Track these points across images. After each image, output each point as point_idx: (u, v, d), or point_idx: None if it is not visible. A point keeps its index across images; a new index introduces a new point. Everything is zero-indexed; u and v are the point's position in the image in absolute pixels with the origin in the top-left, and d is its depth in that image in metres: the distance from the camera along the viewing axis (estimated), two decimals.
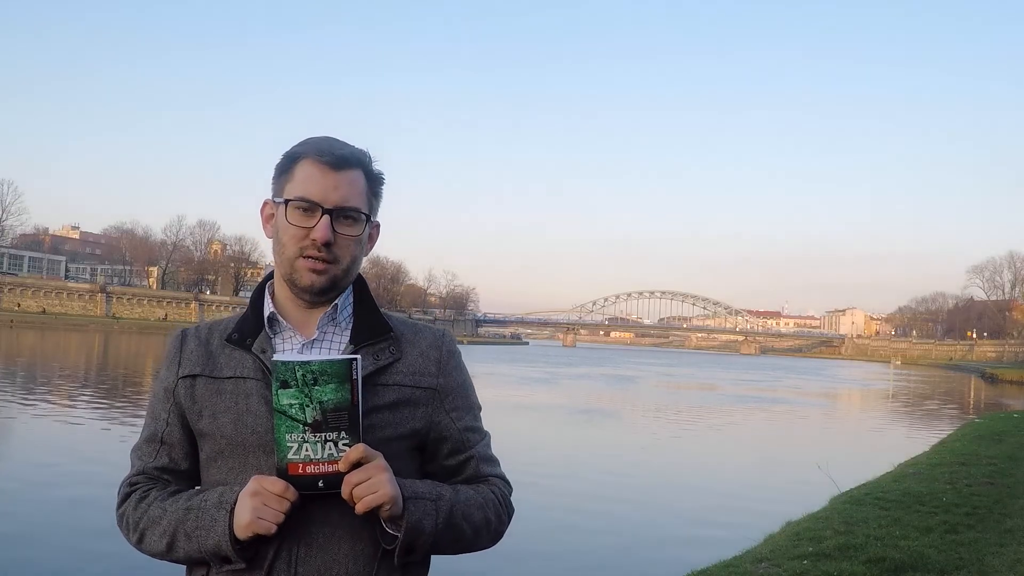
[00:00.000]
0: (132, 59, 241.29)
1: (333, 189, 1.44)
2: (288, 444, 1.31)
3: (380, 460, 1.34)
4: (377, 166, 1.53)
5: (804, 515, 8.56)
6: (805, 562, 6.11)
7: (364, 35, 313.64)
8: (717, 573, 6.20)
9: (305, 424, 1.31)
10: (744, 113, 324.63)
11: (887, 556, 6.18)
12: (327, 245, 1.43)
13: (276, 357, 1.35)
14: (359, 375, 1.33)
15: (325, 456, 1.32)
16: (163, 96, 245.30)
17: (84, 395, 22.80)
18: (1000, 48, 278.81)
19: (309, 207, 1.44)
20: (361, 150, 1.51)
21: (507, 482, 1.58)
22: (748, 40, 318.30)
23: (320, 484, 1.32)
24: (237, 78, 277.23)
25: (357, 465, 1.32)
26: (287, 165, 1.48)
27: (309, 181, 1.44)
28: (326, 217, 1.43)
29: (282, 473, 1.32)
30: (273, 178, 1.51)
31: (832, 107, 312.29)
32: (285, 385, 1.30)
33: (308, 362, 1.31)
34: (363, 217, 1.48)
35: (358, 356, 1.35)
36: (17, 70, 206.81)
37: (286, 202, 1.45)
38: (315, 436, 1.31)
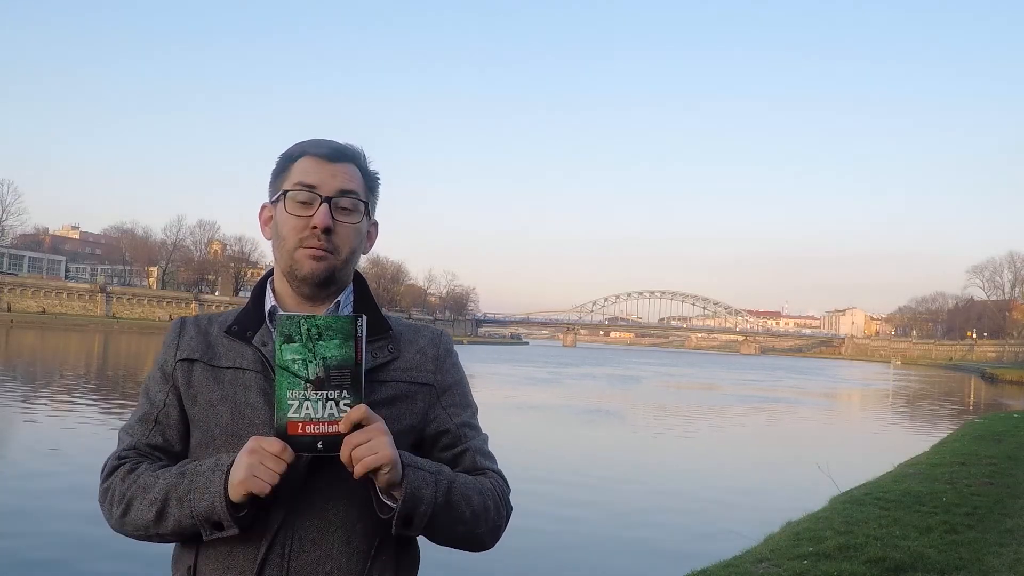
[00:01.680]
0: (133, 59, 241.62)
1: (331, 177, 1.46)
2: (289, 401, 1.29)
3: (381, 423, 1.32)
4: (372, 166, 1.54)
5: (804, 515, 8.55)
6: (805, 562, 6.11)
7: (366, 36, 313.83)
8: (717, 573, 6.19)
9: (307, 380, 1.29)
10: (744, 113, 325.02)
11: (887, 556, 6.18)
12: (327, 232, 1.44)
13: (280, 312, 1.34)
14: (364, 333, 1.32)
15: (326, 415, 1.30)
16: (164, 96, 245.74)
17: (85, 395, 22.79)
18: (1001, 47, 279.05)
19: (308, 196, 1.45)
20: (357, 147, 1.53)
21: (505, 479, 1.56)
22: (748, 40, 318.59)
23: (319, 446, 1.30)
24: (238, 78, 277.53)
25: (358, 426, 1.30)
26: (284, 165, 1.51)
27: (307, 173, 1.46)
28: (325, 204, 1.44)
29: (281, 432, 1.30)
30: (271, 181, 1.53)
31: (832, 107, 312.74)
32: (289, 340, 1.29)
33: (313, 316, 1.30)
34: (362, 205, 1.49)
35: (363, 315, 1.34)
36: (17, 70, 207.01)
37: (284, 193, 1.46)
38: (316, 394, 1.29)
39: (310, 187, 1.45)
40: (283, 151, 1.52)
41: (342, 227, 1.46)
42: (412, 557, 1.48)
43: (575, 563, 8.43)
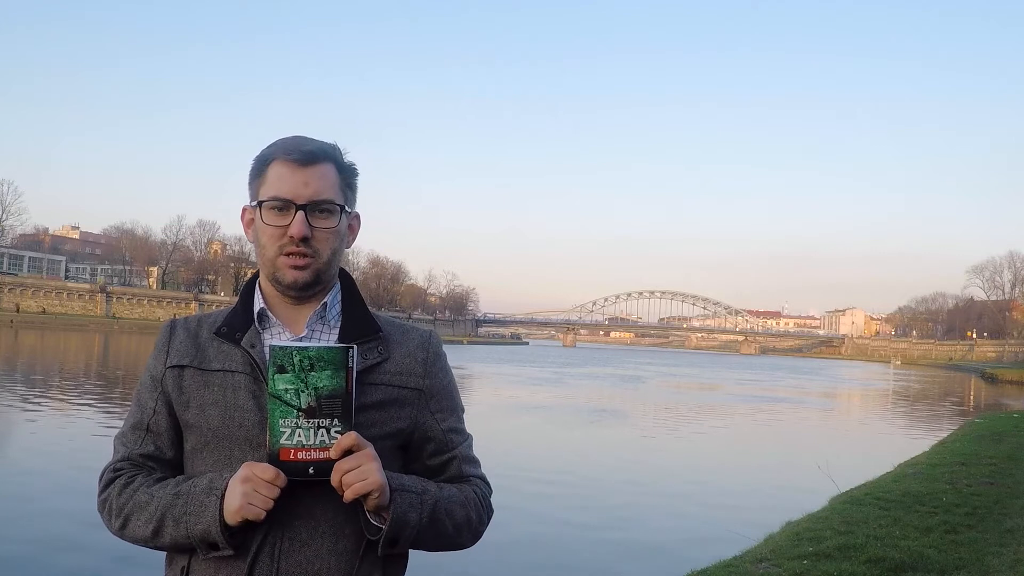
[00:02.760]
0: (132, 58, 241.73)
1: (304, 185, 1.46)
2: (281, 429, 1.33)
3: (370, 449, 1.36)
4: (349, 158, 1.54)
5: (804, 515, 8.55)
6: (805, 562, 6.10)
7: (366, 36, 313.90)
8: (717, 573, 6.19)
9: (299, 410, 1.33)
10: (744, 113, 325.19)
11: (887, 556, 6.18)
12: (305, 240, 1.45)
13: (273, 342, 1.37)
14: (355, 363, 1.36)
15: (317, 442, 1.34)
16: (163, 95, 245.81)
17: (85, 394, 22.79)
18: (1001, 46, 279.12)
19: (283, 205, 1.46)
20: (330, 144, 1.52)
21: (488, 483, 1.61)
22: (748, 39, 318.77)
23: (311, 471, 1.34)
24: (238, 77, 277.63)
25: (348, 453, 1.33)
26: (259, 169, 1.51)
27: (280, 180, 1.46)
28: (300, 213, 1.45)
29: (273, 458, 1.33)
30: (248, 183, 1.53)
31: (832, 107, 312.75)
32: (282, 370, 1.32)
33: (306, 348, 1.34)
34: (338, 208, 1.49)
35: (354, 345, 1.38)
36: (17, 69, 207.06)
37: (260, 204, 1.47)
38: (308, 422, 1.33)
39: (284, 199, 1.45)
40: (257, 153, 1.52)
41: (320, 232, 1.47)
42: (400, 556, 1.50)
43: (574, 563, 8.42)
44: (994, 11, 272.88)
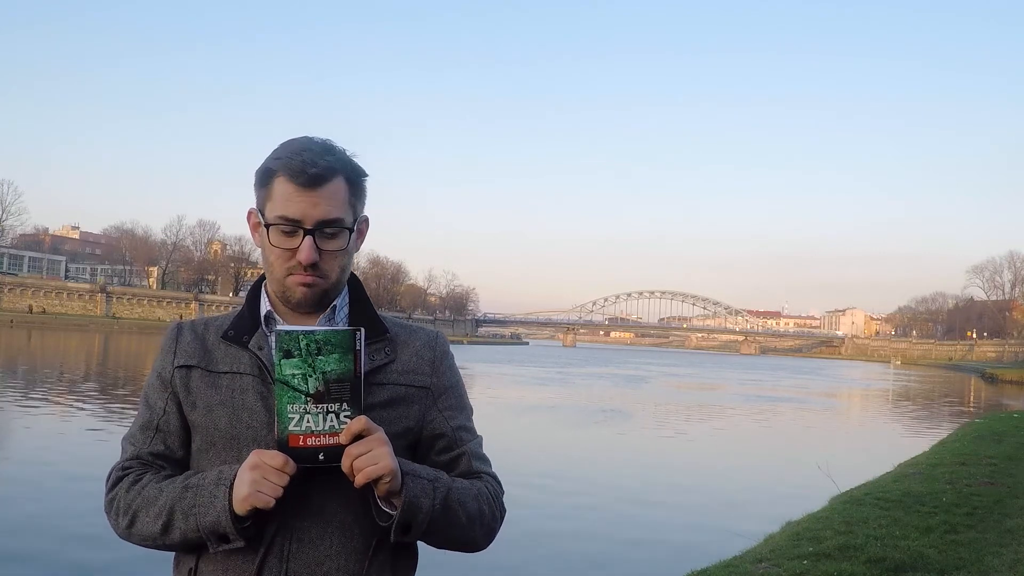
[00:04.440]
0: (132, 59, 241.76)
1: (312, 207, 1.42)
2: (289, 415, 1.31)
3: (381, 433, 1.33)
4: (359, 162, 1.50)
5: (804, 515, 8.55)
6: (805, 562, 6.10)
7: (367, 36, 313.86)
8: (717, 573, 6.20)
9: (307, 395, 1.30)
10: (744, 112, 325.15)
11: (887, 556, 6.18)
12: (314, 265, 1.43)
13: (279, 327, 1.35)
14: (363, 346, 1.33)
15: (326, 428, 1.31)
16: (163, 96, 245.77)
17: (86, 394, 22.79)
18: (1001, 46, 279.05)
19: (291, 229, 1.43)
20: (336, 155, 1.46)
21: (499, 482, 1.58)
22: (748, 39, 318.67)
23: (320, 457, 1.31)
24: (238, 78, 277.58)
25: (358, 438, 1.32)
26: (265, 179, 1.46)
27: (287, 202, 1.42)
28: (309, 239, 1.42)
29: (282, 445, 1.31)
30: (255, 186, 1.49)
31: (832, 106, 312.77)
32: (288, 355, 1.30)
33: (312, 331, 1.31)
34: (346, 231, 1.46)
35: (361, 328, 1.35)
36: (17, 69, 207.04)
37: (268, 226, 1.44)
38: (317, 407, 1.31)
39: (292, 220, 1.42)
40: (262, 163, 1.47)
41: (328, 255, 1.45)
42: (409, 556, 1.49)
43: (575, 562, 8.42)
44: (994, 11, 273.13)
